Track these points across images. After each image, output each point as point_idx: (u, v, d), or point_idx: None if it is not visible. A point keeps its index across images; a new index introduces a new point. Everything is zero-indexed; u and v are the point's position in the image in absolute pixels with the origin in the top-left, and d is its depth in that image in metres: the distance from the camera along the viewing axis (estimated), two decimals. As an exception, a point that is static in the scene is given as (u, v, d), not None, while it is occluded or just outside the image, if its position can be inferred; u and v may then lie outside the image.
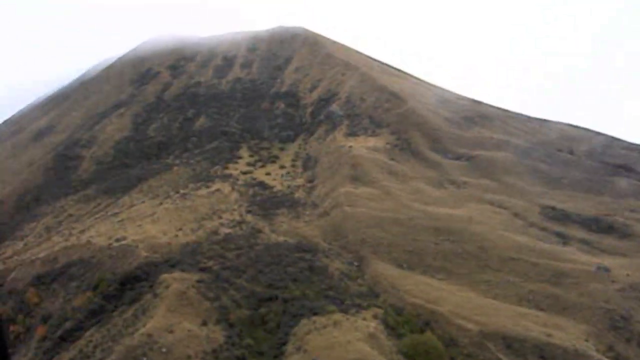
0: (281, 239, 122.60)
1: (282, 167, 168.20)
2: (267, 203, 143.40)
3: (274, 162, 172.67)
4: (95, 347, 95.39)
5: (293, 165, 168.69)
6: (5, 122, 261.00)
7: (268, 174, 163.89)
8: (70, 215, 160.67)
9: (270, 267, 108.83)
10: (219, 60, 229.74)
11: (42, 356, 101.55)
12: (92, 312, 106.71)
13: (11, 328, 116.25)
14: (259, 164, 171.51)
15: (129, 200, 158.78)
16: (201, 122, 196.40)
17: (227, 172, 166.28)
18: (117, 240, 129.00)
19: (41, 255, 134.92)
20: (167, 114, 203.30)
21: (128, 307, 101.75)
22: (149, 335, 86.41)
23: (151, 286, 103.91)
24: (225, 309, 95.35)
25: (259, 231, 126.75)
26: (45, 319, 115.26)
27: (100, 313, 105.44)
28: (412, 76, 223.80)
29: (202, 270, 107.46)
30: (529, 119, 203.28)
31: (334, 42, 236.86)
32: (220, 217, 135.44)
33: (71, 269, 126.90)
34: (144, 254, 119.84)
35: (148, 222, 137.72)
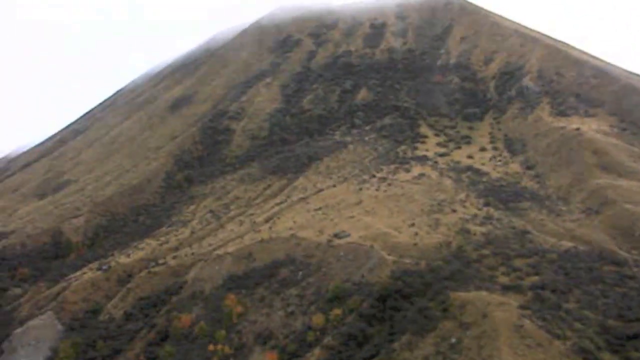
0: (567, 244, 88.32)
1: (482, 149, 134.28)
2: (501, 194, 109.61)
3: (468, 143, 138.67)
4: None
5: (495, 148, 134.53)
6: (121, 92, 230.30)
7: (470, 157, 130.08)
8: (237, 198, 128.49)
9: (596, 287, 74.67)
10: (366, 28, 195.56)
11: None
12: (351, 337, 73.97)
13: (210, 347, 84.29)
14: (452, 145, 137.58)
15: (308, 183, 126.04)
16: (363, 94, 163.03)
17: (418, 153, 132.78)
18: (337, 236, 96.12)
19: (230, 249, 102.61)
20: (320, 85, 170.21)
21: (417, 337, 68.55)
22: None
23: (445, 310, 70.47)
24: (585, 353, 61.42)
25: (525, 232, 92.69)
26: (263, 339, 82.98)
27: (364, 341, 72.66)
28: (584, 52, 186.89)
29: (508, 288, 73.73)
30: None
31: (491, 12, 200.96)
32: (454, 210, 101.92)
33: (280, 270, 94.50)
34: (387, 257, 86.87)
35: (359, 212, 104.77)
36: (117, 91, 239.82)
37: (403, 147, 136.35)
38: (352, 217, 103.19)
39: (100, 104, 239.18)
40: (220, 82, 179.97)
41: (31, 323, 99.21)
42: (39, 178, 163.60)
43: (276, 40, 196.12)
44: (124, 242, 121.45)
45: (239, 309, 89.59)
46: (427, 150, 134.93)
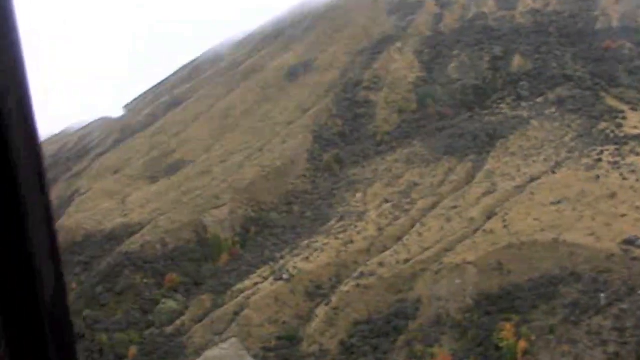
0: None
1: None
2: None
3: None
4: None
5: None
6: (200, 61, 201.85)
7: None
8: (415, 184, 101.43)
9: None
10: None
11: None
12: None
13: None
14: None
15: (507, 167, 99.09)
16: (518, 62, 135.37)
17: (627, 131, 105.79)
18: (633, 243, 68.84)
19: (469, 257, 75.49)
20: (462, 51, 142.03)
21: None
22: None
23: None
24: None
25: None
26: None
27: None
28: None
29: None
30: None
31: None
32: None
33: (559, 288, 67.72)
34: None
35: (627, 209, 77.44)
36: (193, 60, 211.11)
37: (604, 124, 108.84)
38: (624, 215, 75.97)
39: (174, 74, 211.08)
40: (340, 47, 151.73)
41: (210, 353, 72.61)
42: (142, 157, 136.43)
43: (392, 3, 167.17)
44: (287, 240, 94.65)
45: (523, 343, 62.74)
46: (635, 127, 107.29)
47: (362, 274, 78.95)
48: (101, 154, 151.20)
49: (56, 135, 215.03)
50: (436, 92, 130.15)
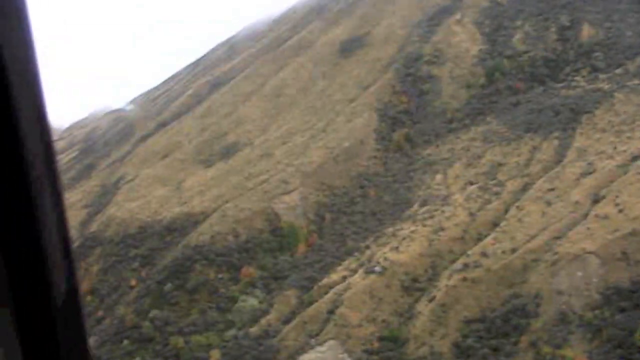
0: None
1: None
2: None
3: None
4: None
5: None
6: (237, 39, 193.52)
7: None
8: (499, 164, 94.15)
9: None
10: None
11: None
12: None
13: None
14: None
15: (601, 145, 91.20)
16: (588, 32, 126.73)
17: None
18: None
19: (588, 246, 68.18)
20: (526, 22, 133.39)
21: None
22: None
23: None
24: None
25: None
26: None
27: None
28: None
29: None
30: None
31: None
32: None
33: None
34: None
35: None
36: (230, 38, 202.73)
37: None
38: None
39: (208, 54, 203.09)
40: (394, 21, 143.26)
41: (307, 357, 65.98)
42: (192, 140, 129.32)
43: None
44: (369, 228, 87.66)
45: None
46: None
47: (466, 266, 71.84)
48: (145, 138, 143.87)
49: (84, 120, 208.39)
50: (503, 64, 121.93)
